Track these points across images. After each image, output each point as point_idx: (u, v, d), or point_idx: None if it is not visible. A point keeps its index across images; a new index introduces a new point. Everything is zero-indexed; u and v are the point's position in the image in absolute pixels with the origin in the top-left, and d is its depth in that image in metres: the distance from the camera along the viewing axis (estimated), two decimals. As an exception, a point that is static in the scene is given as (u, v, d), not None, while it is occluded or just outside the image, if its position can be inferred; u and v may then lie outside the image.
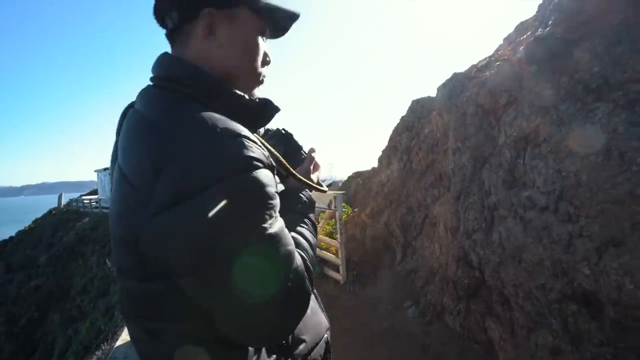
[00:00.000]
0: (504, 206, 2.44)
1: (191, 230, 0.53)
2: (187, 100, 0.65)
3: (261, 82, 0.81)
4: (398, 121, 6.51)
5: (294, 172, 0.83)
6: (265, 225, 0.57)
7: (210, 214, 0.52)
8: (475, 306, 2.73)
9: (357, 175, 9.29)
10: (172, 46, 0.75)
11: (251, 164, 0.56)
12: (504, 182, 2.49)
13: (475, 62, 4.63)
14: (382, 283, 4.42)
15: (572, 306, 1.86)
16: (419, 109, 6.14)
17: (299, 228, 0.77)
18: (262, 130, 0.98)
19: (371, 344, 3.32)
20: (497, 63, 3.17)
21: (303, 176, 0.86)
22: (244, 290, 0.56)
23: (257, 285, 0.57)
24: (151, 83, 0.72)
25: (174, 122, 0.59)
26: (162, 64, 0.71)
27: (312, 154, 0.97)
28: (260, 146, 0.61)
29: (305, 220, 0.81)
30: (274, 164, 0.64)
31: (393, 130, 6.59)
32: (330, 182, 5.50)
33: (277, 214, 0.61)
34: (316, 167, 0.97)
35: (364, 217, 5.78)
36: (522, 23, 3.85)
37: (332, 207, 4.85)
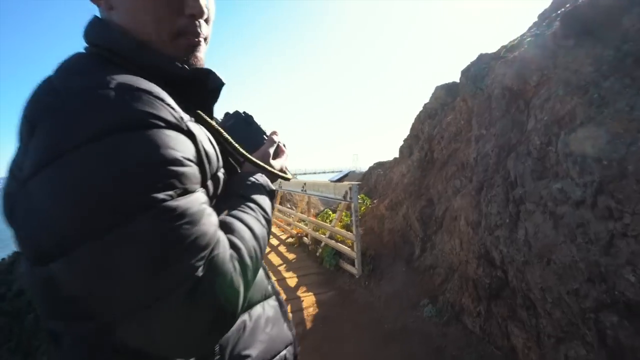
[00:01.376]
0: (531, 199, 2.16)
1: (57, 199, 0.44)
2: (102, 62, 0.57)
3: (190, 40, 0.65)
4: (421, 109, 6.19)
5: (246, 154, 0.71)
6: (159, 195, 0.45)
7: (80, 178, 0.43)
8: (498, 309, 2.48)
9: (378, 165, 9.02)
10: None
11: (144, 120, 0.47)
12: (533, 172, 2.20)
13: (505, 43, 4.25)
14: (399, 278, 4.20)
15: (611, 317, 1.59)
16: (443, 96, 5.79)
17: (237, 212, 0.62)
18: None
19: (383, 343, 3.13)
20: (528, 39, 2.84)
21: (260, 159, 0.75)
22: (130, 282, 0.43)
23: (147, 274, 0.43)
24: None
25: (68, 76, 0.53)
26: (86, 27, 0.64)
27: (274, 137, 0.85)
28: (170, 107, 0.51)
29: (251, 205, 0.65)
30: (192, 130, 0.54)
31: (415, 119, 6.28)
32: (345, 173, 5.28)
33: (192, 187, 0.50)
34: (279, 153, 0.85)
35: (383, 209, 5.55)
36: (558, -4, 3.46)
37: (348, 199, 4.65)
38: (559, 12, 3.10)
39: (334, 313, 3.85)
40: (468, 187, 3.36)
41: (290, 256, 6.02)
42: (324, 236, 5.53)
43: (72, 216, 0.43)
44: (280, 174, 0.80)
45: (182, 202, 0.47)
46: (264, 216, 0.65)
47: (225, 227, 0.56)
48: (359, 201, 5.27)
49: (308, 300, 4.18)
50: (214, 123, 0.66)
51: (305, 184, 6.20)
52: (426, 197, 4.51)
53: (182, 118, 0.53)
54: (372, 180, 8.08)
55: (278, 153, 0.84)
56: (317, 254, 5.61)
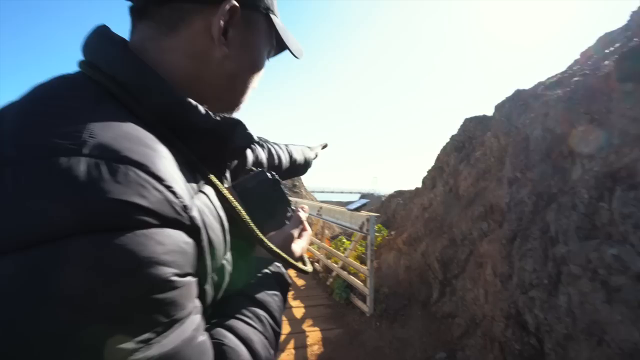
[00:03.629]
0: (576, 262, 1.88)
1: None
2: (94, 95, 0.40)
3: (237, 110, 0.58)
4: (447, 140, 5.95)
5: (262, 237, 0.54)
6: (126, 346, 0.30)
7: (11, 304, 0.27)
8: (528, 381, 2.17)
9: (398, 194, 8.74)
10: (139, 21, 0.49)
11: (126, 216, 0.31)
12: (578, 229, 1.93)
13: (542, 79, 4.02)
14: (413, 323, 3.88)
15: None
16: (472, 128, 5.55)
17: (240, 326, 0.47)
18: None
19: (392, 400, 2.82)
20: (575, 79, 2.60)
21: (279, 245, 0.59)
22: None
23: None
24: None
25: (27, 113, 0.35)
26: (89, 38, 0.47)
27: (301, 214, 0.69)
28: (170, 190, 0.35)
29: (258, 312, 0.51)
30: (197, 223, 0.39)
31: (441, 150, 6.04)
32: (363, 203, 5.06)
33: (180, 315, 0.35)
34: (303, 235, 0.68)
35: (400, 243, 5.26)
36: (607, 34, 3.23)
37: (364, 230, 4.40)
38: (608, 50, 2.86)
39: (340, 355, 3.56)
40: (497, 232, 3.08)
41: (300, 282, 5.77)
42: (336, 265, 5.27)
43: None
44: (300, 266, 0.62)
45: (165, 345, 0.33)
46: (272, 327, 0.52)
47: (221, 352, 0.42)
48: (376, 232, 5.01)
49: (313, 336, 3.91)
50: (230, 197, 0.50)
51: (321, 207, 5.99)
52: (448, 236, 4.22)
53: (185, 207, 0.37)
54: (390, 210, 7.80)
55: (302, 234, 0.68)
56: (328, 283, 5.35)
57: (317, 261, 6.14)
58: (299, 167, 1.07)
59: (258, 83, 0.58)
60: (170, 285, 0.33)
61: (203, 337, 0.39)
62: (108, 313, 0.29)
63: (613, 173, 1.84)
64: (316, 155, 1.18)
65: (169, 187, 0.35)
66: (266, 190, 0.66)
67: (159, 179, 0.35)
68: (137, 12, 0.49)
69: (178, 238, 0.35)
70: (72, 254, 0.28)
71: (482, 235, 3.54)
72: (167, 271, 0.33)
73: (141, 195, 0.32)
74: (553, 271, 2.03)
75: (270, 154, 0.93)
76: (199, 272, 0.40)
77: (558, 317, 1.89)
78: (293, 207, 0.70)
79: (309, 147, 1.16)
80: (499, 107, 4.21)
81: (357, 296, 4.59)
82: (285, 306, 0.59)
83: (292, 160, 1.03)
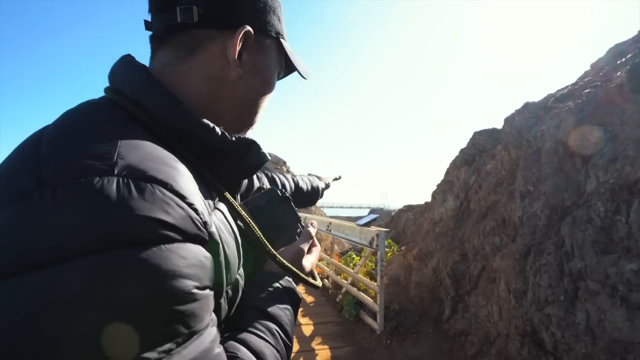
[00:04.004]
0: (594, 277, 1.82)
1: None
2: (120, 119, 0.43)
3: (251, 129, 0.62)
4: (457, 154, 5.90)
5: (275, 253, 0.56)
6: (149, 355, 0.32)
7: (35, 320, 0.28)
8: (546, 402, 2.07)
9: (408, 209, 8.65)
10: (159, 47, 0.53)
11: (153, 231, 0.33)
12: (595, 243, 1.87)
13: (552, 91, 3.98)
14: (425, 341, 3.77)
15: None
16: (482, 142, 5.50)
17: (253, 339, 0.49)
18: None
19: (404, 422, 2.72)
20: (586, 91, 2.57)
21: (290, 260, 0.61)
22: None
23: None
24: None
25: (61, 137, 0.39)
26: (115, 67, 0.51)
27: (311, 229, 0.71)
28: (192, 207, 0.38)
29: (270, 326, 0.52)
30: (216, 238, 0.41)
31: (450, 164, 5.98)
32: (372, 218, 5.00)
33: (199, 327, 0.37)
34: (312, 250, 0.70)
35: (411, 258, 5.17)
36: (617, 45, 3.19)
37: (374, 246, 4.34)
38: (618, 62, 2.83)
39: (350, 374, 3.46)
40: (510, 247, 3.00)
41: (309, 299, 5.69)
42: (345, 282, 5.19)
43: None
44: (310, 280, 0.64)
45: (185, 356, 0.35)
46: (283, 341, 0.53)
47: None
48: (385, 247, 4.94)
49: (322, 354, 3.82)
50: (244, 213, 0.53)
51: (330, 223, 5.95)
52: (460, 251, 4.13)
53: (205, 223, 0.39)
54: (400, 224, 7.72)
55: (311, 249, 0.70)
56: (337, 299, 5.26)
57: (327, 277, 6.07)
58: (306, 196, 1.09)
59: (268, 103, 0.62)
60: (191, 298, 0.35)
61: (219, 350, 0.41)
62: (134, 323, 0.31)
63: (629, 185, 1.79)
64: (327, 186, 1.21)
65: (190, 205, 0.38)
66: (276, 207, 0.68)
67: (182, 197, 0.37)
68: (157, 40, 0.53)
69: (198, 253, 0.37)
70: (105, 266, 0.31)
71: (494, 250, 3.46)
72: (189, 284, 0.35)
73: (166, 212, 0.35)
74: (569, 287, 1.96)
75: (274, 182, 0.96)
76: (216, 287, 0.42)
77: (576, 336, 1.81)
78: (302, 224, 0.72)
79: (318, 177, 1.19)
80: (508, 120, 4.17)
81: (367, 313, 4.50)
82: (296, 320, 0.60)
83: (298, 189, 1.05)
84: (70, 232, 0.31)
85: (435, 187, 6.29)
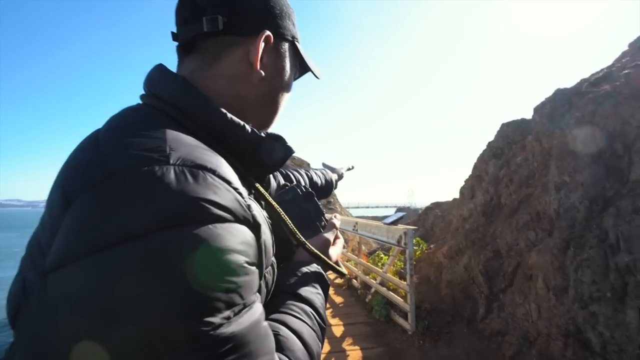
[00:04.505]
0: (644, 271, 1.68)
1: (73, 311, 0.34)
2: (162, 120, 0.48)
3: (269, 128, 0.67)
4: (484, 147, 5.70)
5: (304, 240, 0.61)
6: (214, 320, 0.36)
7: (109, 289, 0.33)
8: (595, 406, 1.93)
9: (436, 206, 8.46)
10: (186, 55, 0.59)
11: (208, 212, 0.38)
12: (643, 235, 1.73)
13: (585, 76, 3.76)
14: (459, 342, 3.65)
15: None
16: (510, 134, 5.29)
17: (289, 318, 0.53)
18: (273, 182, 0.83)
19: None
20: (625, 72, 2.40)
21: (318, 248, 0.66)
22: None
23: None
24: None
25: (120, 140, 0.43)
26: (150, 75, 0.56)
27: (335, 221, 0.76)
28: (237, 191, 0.43)
29: (304, 307, 0.56)
30: (258, 220, 0.46)
31: (478, 158, 5.78)
32: (399, 216, 4.91)
33: (250, 300, 0.41)
34: (337, 242, 0.75)
35: (441, 256, 5.04)
36: (657, 23, 2.98)
37: (402, 244, 4.24)
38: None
39: (383, 376, 3.39)
40: (547, 242, 2.85)
41: (338, 299, 5.64)
42: (374, 281, 5.11)
43: (88, 341, 0.33)
44: (338, 267, 0.68)
45: (241, 324, 0.39)
46: (318, 322, 0.57)
47: (277, 341, 0.47)
48: (414, 246, 4.82)
49: (354, 355, 3.77)
50: (276, 205, 0.58)
51: (357, 223, 5.89)
52: (492, 248, 3.98)
53: (249, 207, 0.44)
54: (428, 222, 7.54)
55: (335, 241, 0.74)
56: (367, 300, 5.19)
57: (355, 278, 6.01)
58: (321, 190, 1.13)
59: (287, 103, 0.67)
60: (244, 271, 0.40)
61: (266, 324, 0.44)
62: (199, 290, 0.35)
63: (679, 171, 1.65)
64: (341, 177, 1.25)
65: (236, 189, 0.43)
66: (301, 202, 0.73)
67: (228, 182, 0.42)
68: (185, 48, 0.58)
69: (245, 232, 0.42)
70: (170, 242, 0.35)
71: (529, 246, 3.31)
72: (241, 258, 0.40)
73: (218, 195, 0.40)
74: (617, 283, 1.82)
75: (288, 178, 0.99)
76: (259, 267, 0.45)
77: (628, 336, 1.68)
78: (326, 217, 0.76)
79: (332, 169, 1.24)
80: (538, 109, 3.98)
81: (398, 313, 4.40)
82: (327, 298, 0.64)
83: (313, 183, 1.09)
84: (141, 213, 0.36)
85: (463, 183, 6.11)
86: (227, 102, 0.56)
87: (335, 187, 1.21)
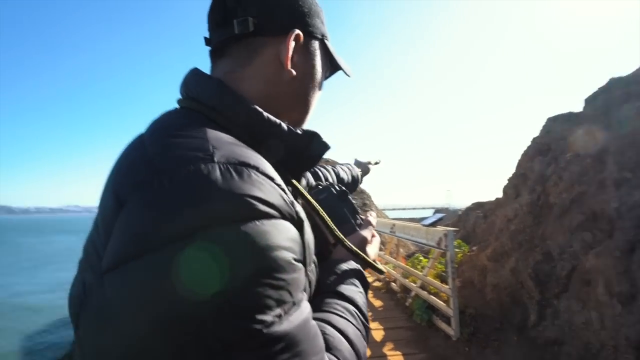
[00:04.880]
0: None
1: (131, 310, 0.35)
2: (202, 121, 0.50)
3: (302, 126, 0.67)
4: (529, 144, 5.40)
5: (343, 237, 0.62)
6: (267, 318, 0.36)
7: (165, 288, 0.34)
8: None
9: (477, 206, 8.13)
10: (219, 58, 0.60)
11: (256, 208, 0.38)
12: None
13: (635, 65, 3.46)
14: (510, 350, 3.45)
15: None
16: (557, 128, 4.98)
17: (334, 317, 0.52)
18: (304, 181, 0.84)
19: None
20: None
21: (356, 245, 0.65)
22: None
23: None
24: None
25: (164, 143, 0.44)
26: (186, 78, 0.58)
27: (370, 219, 0.75)
28: (280, 188, 0.43)
29: (347, 306, 0.56)
30: (301, 216, 0.45)
31: (522, 155, 5.49)
32: (438, 217, 4.76)
33: (299, 298, 0.41)
34: (373, 241, 0.73)
35: (484, 259, 4.81)
36: None
37: (443, 246, 4.09)
38: None
39: (428, 385, 3.27)
40: (607, 244, 2.63)
41: (377, 303, 5.55)
42: (414, 285, 4.97)
43: (147, 340, 0.35)
44: (377, 265, 0.68)
45: (292, 322, 0.38)
46: (361, 320, 0.56)
47: (324, 340, 0.47)
48: (455, 248, 4.64)
49: (396, 362, 3.67)
50: (314, 202, 0.59)
51: (394, 225, 5.77)
52: (542, 250, 3.74)
53: (292, 203, 0.44)
54: (469, 223, 7.26)
55: (372, 240, 0.73)
56: (407, 304, 5.06)
57: (394, 281, 5.88)
58: (347, 186, 1.12)
59: (318, 102, 0.67)
60: (292, 268, 0.39)
61: (314, 322, 0.44)
62: (251, 288, 0.36)
63: None
64: (366, 171, 1.23)
65: (279, 185, 0.43)
66: (336, 200, 0.73)
67: (272, 179, 0.42)
68: (218, 52, 0.59)
69: (291, 229, 0.42)
70: (221, 240, 0.36)
71: (586, 248, 3.07)
72: (289, 255, 0.39)
73: (263, 191, 0.39)
74: (697, 290, 1.63)
75: (316, 175, 0.99)
76: (304, 264, 0.45)
77: None
78: (362, 216, 0.75)
79: (359, 163, 1.23)
80: (590, 100, 3.71)
81: (440, 318, 4.25)
82: (367, 297, 0.63)
83: (340, 180, 1.09)
84: (189, 211, 0.36)
85: (507, 182, 5.81)
86: (261, 102, 0.55)
87: (361, 182, 1.21)
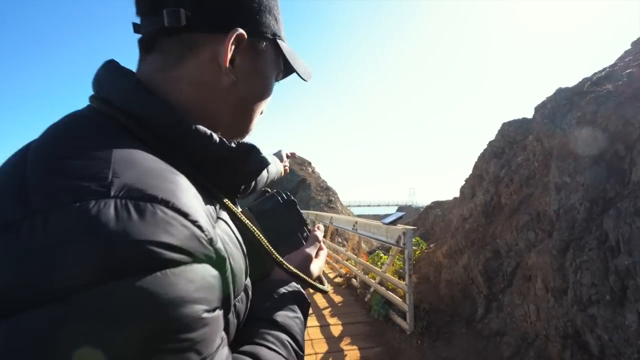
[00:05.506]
0: (644, 274, 1.66)
1: None
2: (111, 132, 0.41)
3: (248, 135, 0.60)
4: (485, 147, 5.67)
5: (280, 259, 0.56)
6: None
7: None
8: (593, 409, 1.92)
9: (436, 205, 8.43)
10: (148, 52, 0.50)
11: (157, 257, 0.31)
12: (644, 237, 1.71)
13: (587, 75, 3.73)
14: (458, 342, 3.63)
15: None
16: (511, 133, 5.27)
17: (264, 352, 0.48)
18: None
19: None
20: (628, 71, 2.37)
21: (298, 266, 0.61)
22: None
23: None
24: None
25: (49, 156, 0.36)
26: (100, 74, 0.48)
27: (317, 233, 0.70)
28: (196, 225, 0.36)
29: (281, 337, 0.52)
30: (222, 253, 0.39)
31: (479, 157, 5.76)
32: (398, 216, 4.88)
33: (210, 351, 0.35)
34: (320, 254, 0.69)
35: (440, 256, 5.02)
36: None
37: (401, 244, 4.22)
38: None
39: (380, 376, 3.38)
40: (547, 242, 2.83)
41: (337, 299, 5.63)
42: (373, 281, 5.09)
43: None
44: (319, 286, 0.63)
45: None
46: (295, 351, 0.52)
47: None
48: (414, 245, 4.80)
49: (352, 355, 3.76)
50: (247, 222, 0.52)
51: (356, 222, 5.86)
52: (492, 248, 3.96)
53: (210, 240, 0.37)
54: (429, 221, 7.53)
55: (318, 253, 0.69)
56: (366, 299, 5.18)
57: (355, 277, 5.99)
58: (273, 182, 1.09)
59: (266, 108, 0.60)
60: (202, 323, 0.34)
61: None
62: (146, 355, 0.30)
63: (681, 172, 1.62)
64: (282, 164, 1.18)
65: (194, 222, 0.35)
66: (282, 211, 0.68)
67: (185, 214, 0.35)
68: (146, 44, 0.50)
69: (206, 273, 0.36)
70: (106, 301, 0.28)
71: (529, 246, 3.28)
72: (199, 309, 0.33)
73: (170, 233, 0.33)
74: (616, 286, 1.80)
75: None
76: (224, 304, 0.40)
77: (627, 339, 1.66)
78: (309, 227, 0.71)
79: (280, 155, 1.18)
80: (539, 108, 3.95)
81: (397, 313, 4.39)
82: (306, 325, 0.59)
83: (271, 178, 1.05)
84: (67, 265, 0.29)
85: (464, 182, 6.08)
86: (192, 109, 0.49)
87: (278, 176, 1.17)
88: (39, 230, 0.29)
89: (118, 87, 0.45)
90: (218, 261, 0.38)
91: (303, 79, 0.61)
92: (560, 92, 3.67)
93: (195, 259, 0.34)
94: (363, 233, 5.59)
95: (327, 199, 14.56)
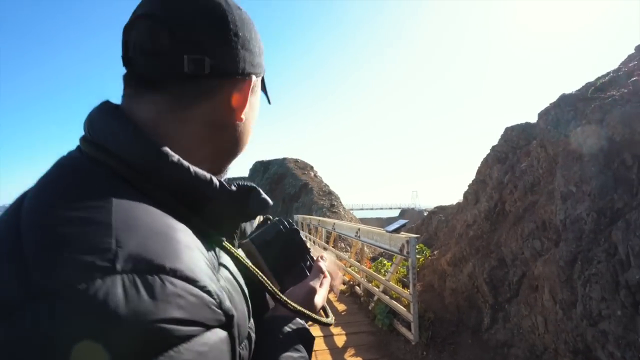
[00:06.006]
0: (656, 290, 1.61)
1: None
2: (107, 185, 0.39)
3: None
4: (488, 151, 5.62)
5: (283, 297, 0.54)
6: None
7: None
8: None
9: (440, 210, 8.37)
10: (151, 91, 0.47)
11: (172, 335, 0.31)
12: (655, 251, 1.66)
13: (591, 79, 3.69)
14: (464, 353, 3.57)
15: None
16: (514, 138, 5.22)
17: None
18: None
19: None
20: (633, 79, 2.33)
21: (301, 300, 0.60)
22: None
23: None
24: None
25: (45, 223, 0.33)
26: (93, 117, 0.46)
27: (321, 264, 0.68)
28: (204, 291, 0.35)
29: None
30: (231, 312, 0.39)
31: (482, 162, 5.71)
32: (402, 224, 4.84)
33: None
34: (323, 283, 0.67)
35: (444, 263, 4.96)
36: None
37: (405, 253, 4.17)
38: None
39: (385, 389, 3.32)
40: (553, 252, 2.77)
41: (341, 307, 5.57)
42: (377, 289, 5.04)
43: None
44: (323, 320, 0.62)
45: None
46: None
47: None
48: (417, 252, 4.75)
49: (356, 367, 3.70)
50: (248, 263, 0.50)
51: (359, 229, 5.82)
52: (497, 256, 3.90)
53: (220, 304, 0.37)
54: (432, 226, 7.46)
55: (322, 283, 0.67)
56: (370, 308, 5.12)
57: (358, 284, 5.94)
58: None
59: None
60: None
61: None
62: None
63: (692, 185, 1.58)
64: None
65: (203, 288, 0.35)
66: (285, 241, 0.66)
67: (193, 281, 0.35)
68: (147, 83, 0.47)
69: (217, 339, 0.36)
70: None
71: (535, 255, 3.23)
72: None
73: (181, 308, 0.32)
74: (627, 301, 1.75)
75: None
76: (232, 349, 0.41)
77: None
78: (312, 256, 0.70)
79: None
80: (543, 115, 3.91)
81: (401, 322, 4.33)
82: (311, 353, 0.59)
83: None
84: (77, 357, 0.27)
85: (467, 187, 6.03)
86: (190, 146, 0.48)
87: None
88: (44, 319, 0.28)
89: (113, 133, 0.43)
90: (227, 321, 0.39)
91: (269, 103, 0.64)
92: (563, 98, 3.63)
93: (208, 326, 0.35)
94: (366, 240, 5.54)
95: (330, 204, 14.52)
